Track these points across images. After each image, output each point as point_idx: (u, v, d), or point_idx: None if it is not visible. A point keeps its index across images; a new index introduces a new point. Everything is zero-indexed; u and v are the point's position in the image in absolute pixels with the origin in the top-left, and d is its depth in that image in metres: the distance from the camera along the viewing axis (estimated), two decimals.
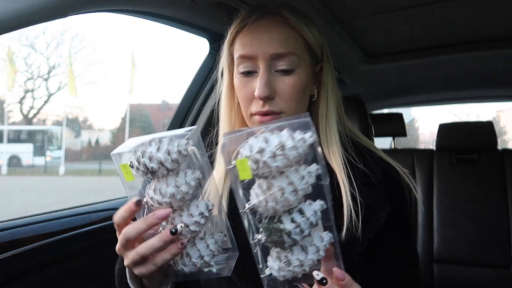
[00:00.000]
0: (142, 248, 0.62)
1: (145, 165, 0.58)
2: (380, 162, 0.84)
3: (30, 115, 19.67)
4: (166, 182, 0.59)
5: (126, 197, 0.65)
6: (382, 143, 2.56)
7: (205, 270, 0.63)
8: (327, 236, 0.58)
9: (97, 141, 22.11)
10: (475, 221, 1.87)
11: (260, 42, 0.77)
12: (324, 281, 0.57)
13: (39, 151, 17.08)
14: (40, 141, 17.34)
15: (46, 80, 19.48)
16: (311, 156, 0.56)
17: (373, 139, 1.80)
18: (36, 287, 1.09)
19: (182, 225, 0.60)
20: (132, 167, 0.60)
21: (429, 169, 2.04)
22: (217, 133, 0.90)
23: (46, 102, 19.85)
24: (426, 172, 2.04)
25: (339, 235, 0.74)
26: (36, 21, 0.72)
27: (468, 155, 1.99)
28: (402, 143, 2.72)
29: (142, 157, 0.59)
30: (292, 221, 0.55)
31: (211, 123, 0.94)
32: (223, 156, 0.58)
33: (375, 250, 0.80)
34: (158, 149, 0.58)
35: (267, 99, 0.76)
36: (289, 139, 0.53)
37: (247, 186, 0.57)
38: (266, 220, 0.57)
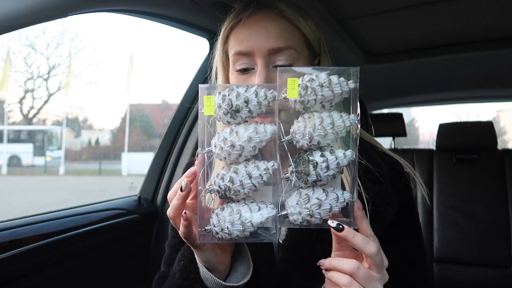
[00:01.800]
0: (168, 211, 0.63)
1: (230, 102, 0.60)
2: (385, 157, 0.83)
3: (30, 115, 19.67)
4: (244, 127, 0.61)
5: (126, 197, 0.65)
6: (382, 143, 2.56)
7: (246, 237, 0.63)
8: (347, 193, 0.62)
9: (97, 141, 22.08)
10: (475, 221, 1.87)
11: (256, 37, 0.74)
12: (341, 226, 0.58)
13: (39, 151, 17.06)
14: (40, 141, 17.32)
15: (46, 80, 19.47)
16: (349, 106, 0.62)
17: None
18: (36, 287, 1.09)
19: (241, 178, 0.60)
20: (214, 105, 0.62)
21: (429, 169, 2.04)
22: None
23: (46, 102, 19.85)
24: (426, 172, 2.04)
25: None
26: (36, 21, 0.72)
27: (468, 155, 1.99)
28: (402, 143, 2.72)
29: (229, 95, 0.61)
30: (322, 155, 0.60)
31: None
32: (279, 85, 0.61)
33: (384, 248, 0.80)
34: (246, 90, 0.61)
35: None
36: (335, 77, 0.61)
37: (289, 123, 0.63)
38: (298, 153, 0.62)
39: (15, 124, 19.43)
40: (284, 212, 0.62)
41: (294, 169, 0.61)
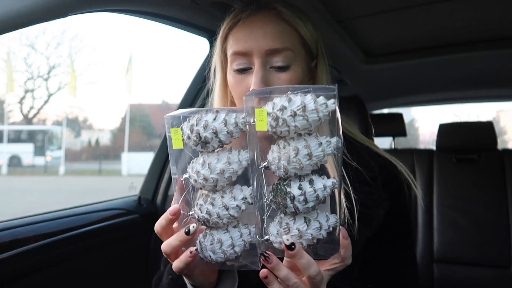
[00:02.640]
0: (164, 246, 0.62)
1: (198, 134, 0.56)
2: (377, 159, 0.83)
3: (30, 115, 19.67)
4: (217, 157, 0.57)
5: (126, 197, 0.65)
6: (382, 143, 2.56)
7: (231, 262, 0.61)
8: (333, 218, 0.58)
9: (97, 141, 22.09)
10: (475, 221, 1.87)
11: (255, 37, 0.75)
12: (292, 246, 0.56)
13: (40, 151, 17.06)
14: (40, 141, 17.33)
15: (46, 80, 19.47)
16: (331, 127, 0.56)
17: (373, 139, 1.80)
18: (36, 287, 1.09)
19: (218, 210, 0.57)
20: (184, 135, 0.58)
21: (429, 169, 2.04)
22: None
23: (46, 102, 19.84)
24: (426, 172, 2.04)
25: None
26: (36, 21, 0.72)
27: (468, 155, 1.99)
28: (402, 143, 2.72)
29: (197, 125, 0.56)
30: (299, 187, 0.55)
31: None
32: (246, 111, 0.56)
33: (374, 249, 0.80)
34: (215, 119, 0.56)
35: None
36: (311, 101, 0.53)
37: (265, 148, 0.58)
38: (277, 181, 0.57)
39: (15, 124, 19.44)
40: (267, 237, 0.59)
41: (272, 199, 0.57)
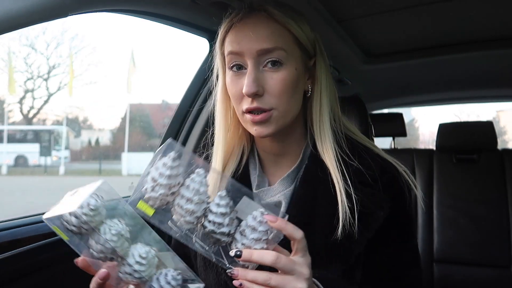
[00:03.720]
0: None
1: (66, 229, 0.64)
2: (378, 160, 0.82)
3: (30, 115, 19.67)
4: (94, 238, 0.63)
5: (126, 197, 0.66)
6: (382, 143, 2.56)
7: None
8: (257, 212, 0.61)
9: (97, 141, 22.08)
10: (475, 221, 1.87)
11: (246, 40, 0.76)
12: (238, 253, 0.60)
13: (46, 151, 17.03)
14: (46, 141, 17.31)
15: (46, 80, 19.46)
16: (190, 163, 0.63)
17: (373, 139, 1.80)
18: (36, 287, 1.09)
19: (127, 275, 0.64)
20: (62, 229, 0.66)
21: (429, 169, 2.04)
22: (212, 133, 0.89)
23: (46, 102, 19.84)
24: (426, 172, 2.04)
25: (335, 233, 0.74)
26: (36, 21, 0.72)
27: (468, 155, 1.99)
28: (402, 143, 2.72)
29: (64, 222, 0.64)
30: (208, 221, 0.61)
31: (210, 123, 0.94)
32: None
33: (375, 251, 0.80)
34: (70, 214, 0.62)
35: (255, 96, 0.75)
36: (154, 170, 0.60)
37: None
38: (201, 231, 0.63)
39: (17, 124, 19.44)
40: (231, 271, 0.61)
41: (210, 248, 0.62)
